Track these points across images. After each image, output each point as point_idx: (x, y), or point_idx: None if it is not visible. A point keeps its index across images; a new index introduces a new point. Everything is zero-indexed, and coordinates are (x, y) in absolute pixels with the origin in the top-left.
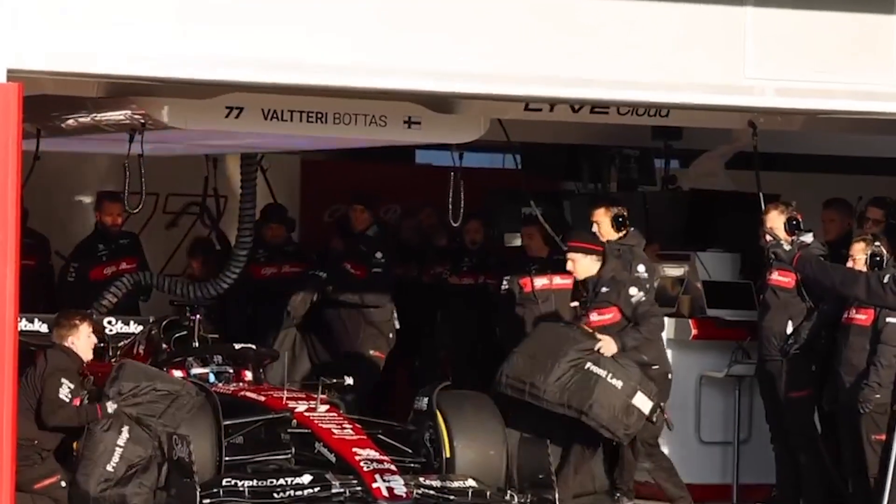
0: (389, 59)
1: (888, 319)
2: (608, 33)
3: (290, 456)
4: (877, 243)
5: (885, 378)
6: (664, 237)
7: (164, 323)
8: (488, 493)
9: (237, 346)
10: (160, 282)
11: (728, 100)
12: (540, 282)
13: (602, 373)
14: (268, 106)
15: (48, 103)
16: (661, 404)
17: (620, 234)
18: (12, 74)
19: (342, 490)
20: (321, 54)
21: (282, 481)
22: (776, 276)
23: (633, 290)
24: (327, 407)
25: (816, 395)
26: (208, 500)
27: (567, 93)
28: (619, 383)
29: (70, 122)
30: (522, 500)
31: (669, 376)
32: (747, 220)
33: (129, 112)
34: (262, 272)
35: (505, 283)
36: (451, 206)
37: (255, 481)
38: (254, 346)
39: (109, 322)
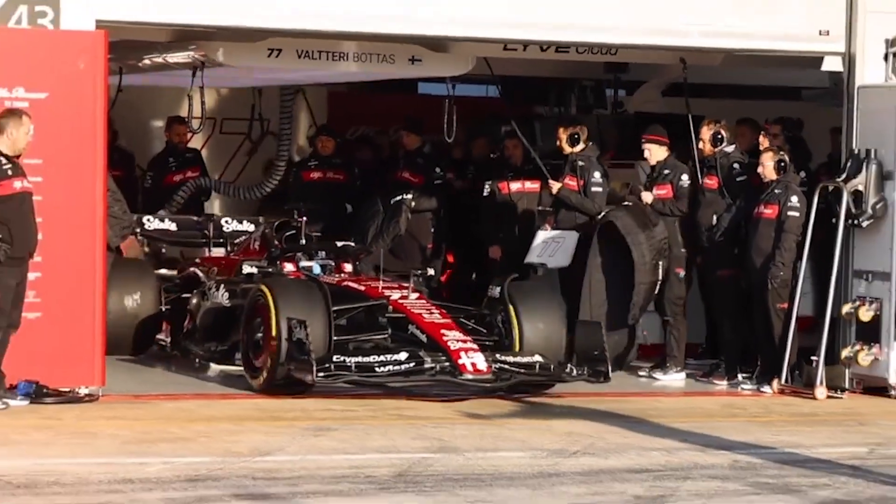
0: (397, 9)
1: (789, 213)
2: None
3: (387, 336)
4: (782, 153)
5: (787, 259)
6: (614, 150)
7: (276, 223)
8: (552, 367)
9: (338, 244)
10: (217, 185)
11: (663, 41)
12: (515, 186)
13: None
14: (301, 47)
15: (128, 47)
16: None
17: (578, 148)
18: (100, 24)
19: (433, 365)
20: (344, 5)
21: (382, 357)
22: (706, 181)
23: (685, 178)
24: (417, 294)
25: (739, 274)
26: (322, 374)
27: (537, 35)
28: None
29: (145, 61)
30: (580, 372)
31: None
32: (679, 136)
33: (191, 53)
34: (311, 175)
35: (487, 186)
36: (445, 126)
37: (360, 357)
38: (352, 243)
39: (226, 221)
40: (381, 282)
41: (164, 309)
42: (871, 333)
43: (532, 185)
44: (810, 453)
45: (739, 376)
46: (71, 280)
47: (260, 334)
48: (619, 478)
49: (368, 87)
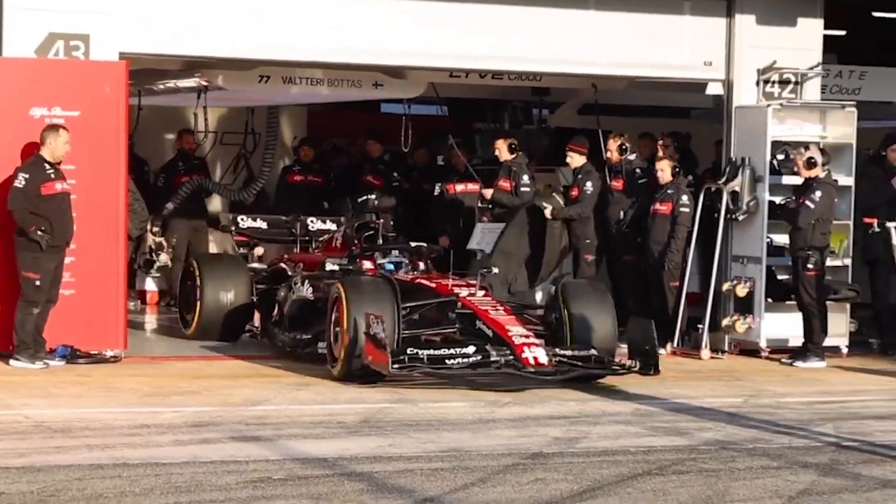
0: (364, 44)
1: (681, 209)
2: (503, 30)
3: (455, 330)
4: (675, 160)
5: (679, 246)
6: (539, 157)
7: (357, 224)
8: (605, 359)
9: (413, 244)
10: (213, 186)
11: (578, 69)
12: (459, 187)
13: None
14: (285, 74)
15: (145, 74)
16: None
17: (513, 156)
18: (122, 55)
19: (499, 359)
20: (320, 41)
21: (452, 351)
22: (614, 183)
23: (588, 185)
24: (483, 292)
25: (640, 259)
26: (397, 366)
27: (477, 65)
28: None
29: (160, 85)
30: (631, 365)
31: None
32: (590, 146)
33: (197, 79)
34: (294, 178)
35: (437, 187)
36: (402, 138)
37: (431, 350)
38: (424, 244)
39: (311, 221)
40: (450, 279)
41: (254, 299)
42: (745, 306)
43: (473, 187)
44: (696, 403)
45: None
46: (99, 264)
47: (338, 328)
48: (543, 423)
49: (340, 107)
